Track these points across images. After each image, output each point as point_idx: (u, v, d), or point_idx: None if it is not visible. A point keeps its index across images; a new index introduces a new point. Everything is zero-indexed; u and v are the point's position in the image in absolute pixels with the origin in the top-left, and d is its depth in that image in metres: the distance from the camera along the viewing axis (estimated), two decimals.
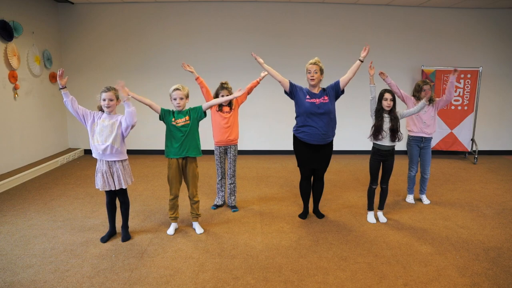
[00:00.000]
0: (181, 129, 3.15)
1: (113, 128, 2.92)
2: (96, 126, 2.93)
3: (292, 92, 3.37)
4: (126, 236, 3.16)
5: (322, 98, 3.32)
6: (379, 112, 3.39)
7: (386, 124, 3.38)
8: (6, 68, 4.89)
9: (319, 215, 3.70)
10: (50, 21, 5.99)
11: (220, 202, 3.96)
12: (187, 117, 3.16)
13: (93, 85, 6.32)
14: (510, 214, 3.80)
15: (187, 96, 3.17)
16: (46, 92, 5.89)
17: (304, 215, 3.68)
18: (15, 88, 5.04)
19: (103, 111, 2.97)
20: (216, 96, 3.60)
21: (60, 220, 3.58)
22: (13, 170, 4.98)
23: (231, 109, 3.69)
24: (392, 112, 3.38)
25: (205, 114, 3.21)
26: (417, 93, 3.88)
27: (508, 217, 3.73)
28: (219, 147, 3.77)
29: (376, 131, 3.38)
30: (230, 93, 3.57)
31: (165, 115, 3.17)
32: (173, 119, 3.15)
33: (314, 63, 3.31)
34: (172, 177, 3.23)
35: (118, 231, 3.25)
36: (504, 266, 2.74)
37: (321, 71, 3.33)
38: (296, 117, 3.45)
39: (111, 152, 2.93)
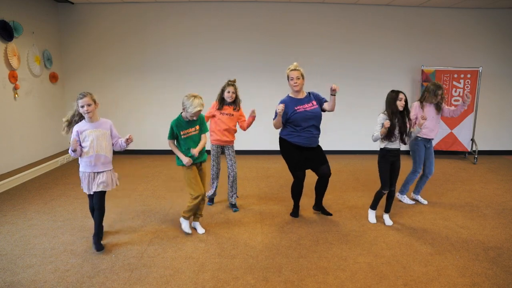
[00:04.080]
0: (193, 138, 3.13)
1: (103, 137, 2.89)
2: (84, 139, 2.83)
3: (286, 117, 3.38)
4: (99, 247, 2.93)
5: (311, 103, 3.38)
6: (394, 114, 3.25)
7: (397, 126, 3.29)
8: (6, 68, 4.89)
9: (325, 212, 3.72)
10: (50, 21, 5.98)
11: (212, 193, 3.93)
12: (197, 127, 3.14)
13: (93, 85, 6.32)
14: (510, 214, 3.80)
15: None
16: (46, 92, 5.89)
17: (296, 213, 3.70)
18: (15, 88, 5.04)
19: (82, 119, 2.88)
20: (222, 92, 3.66)
21: (60, 220, 3.58)
22: (13, 170, 4.98)
23: (234, 110, 3.72)
24: (403, 113, 3.27)
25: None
26: (430, 96, 3.80)
27: (508, 217, 3.73)
28: (217, 146, 3.80)
29: (390, 133, 3.24)
30: (235, 89, 3.64)
31: (177, 133, 3.10)
32: (181, 132, 3.08)
33: (295, 69, 3.32)
34: (193, 176, 3.15)
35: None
36: (504, 266, 2.74)
37: (303, 76, 3.35)
38: (287, 123, 3.42)
39: (104, 161, 2.89)
